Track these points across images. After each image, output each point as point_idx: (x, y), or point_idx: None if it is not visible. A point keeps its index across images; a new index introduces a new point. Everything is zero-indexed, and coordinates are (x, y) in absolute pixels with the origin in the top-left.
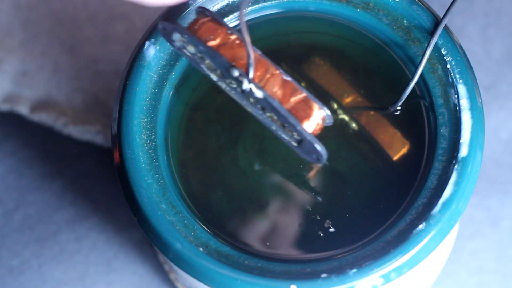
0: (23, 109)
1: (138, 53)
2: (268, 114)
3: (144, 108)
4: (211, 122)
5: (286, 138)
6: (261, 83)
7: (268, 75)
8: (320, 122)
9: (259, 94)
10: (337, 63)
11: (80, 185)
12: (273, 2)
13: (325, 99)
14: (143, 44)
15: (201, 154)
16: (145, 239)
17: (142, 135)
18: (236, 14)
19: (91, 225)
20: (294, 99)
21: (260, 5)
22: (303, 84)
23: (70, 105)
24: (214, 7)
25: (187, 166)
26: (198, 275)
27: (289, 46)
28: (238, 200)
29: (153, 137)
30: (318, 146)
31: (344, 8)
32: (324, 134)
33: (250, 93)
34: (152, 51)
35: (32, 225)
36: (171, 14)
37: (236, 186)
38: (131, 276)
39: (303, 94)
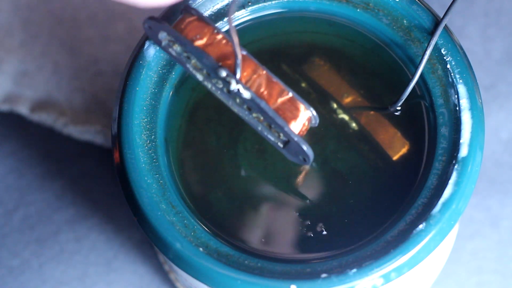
0: (23, 109)
1: (138, 53)
2: (254, 115)
3: (144, 108)
4: (211, 122)
5: (272, 139)
6: (248, 84)
7: (255, 76)
8: (306, 123)
9: (246, 94)
10: (337, 63)
11: (80, 185)
12: (273, 2)
13: (325, 99)
14: (143, 44)
15: (201, 154)
16: (145, 239)
17: (142, 135)
18: (235, 15)
19: (91, 225)
20: (280, 100)
21: (260, 5)
22: (303, 85)
23: (70, 105)
24: (214, 7)
25: (187, 166)
26: (198, 275)
27: (289, 46)
28: (238, 200)
29: (153, 137)
30: (305, 147)
31: (344, 8)
32: (324, 134)
33: (237, 93)
34: (152, 51)
35: (32, 225)
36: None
37: (236, 186)
38: (131, 276)
39: (290, 95)
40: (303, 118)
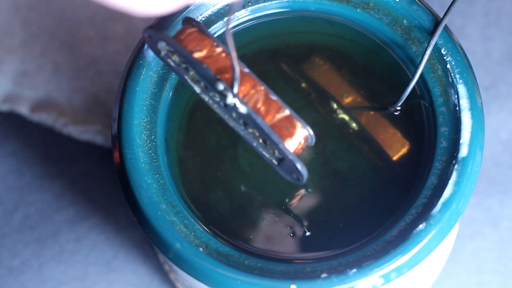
0: (23, 109)
1: (138, 53)
2: (250, 130)
3: (144, 108)
4: (211, 122)
5: (267, 155)
6: (245, 99)
7: (253, 91)
8: (302, 141)
9: (242, 109)
10: (337, 63)
11: (80, 185)
12: (273, 2)
13: (325, 99)
14: (143, 44)
15: (201, 154)
16: (145, 239)
17: (142, 135)
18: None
19: (91, 225)
20: (277, 117)
21: (260, 5)
22: (303, 85)
23: (70, 105)
24: (214, 7)
25: (187, 166)
26: (198, 275)
27: (289, 46)
28: (238, 200)
29: (153, 137)
30: (300, 166)
31: (344, 8)
32: (324, 134)
33: (233, 108)
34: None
35: (32, 225)
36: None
37: (236, 186)
38: (131, 276)
39: (287, 112)
40: (299, 136)
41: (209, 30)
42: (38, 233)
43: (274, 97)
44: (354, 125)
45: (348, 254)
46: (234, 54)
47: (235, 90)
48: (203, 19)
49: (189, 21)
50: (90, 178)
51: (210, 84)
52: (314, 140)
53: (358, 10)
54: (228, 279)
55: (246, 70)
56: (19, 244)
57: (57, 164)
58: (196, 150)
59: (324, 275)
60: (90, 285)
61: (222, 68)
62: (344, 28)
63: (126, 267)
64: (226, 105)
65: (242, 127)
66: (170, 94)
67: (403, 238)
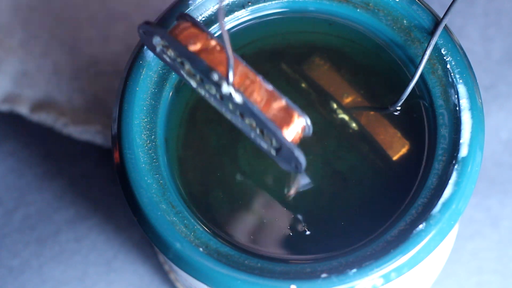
0: (23, 109)
1: (138, 53)
2: (247, 121)
3: (144, 108)
4: (211, 122)
5: (265, 146)
6: (241, 89)
7: (248, 82)
8: (300, 131)
9: (238, 98)
10: (337, 63)
11: (80, 185)
12: (273, 2)
13: (325, 99)
14: (143, 44)
15: (201, 154)
16: (145, 239)
17: (142, 135)
18: (229, 17)
19: (91, 225)
20: (274, 107)
21: (260, 5)
22: (303, 85)
23: (70, 105)
24: (214, 7)
25: (187, 166)
26: (198, 275)
27: (289, 46)
28: (238, 200)
29: (153, 137)
30: (297, 153)
31: (344, 8)
32: (324, 134)
33: (229, 98)
34: None
35: (32, 225)
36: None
37: (236, 186)
38: (131, 276)
39: (283, 102)
40: (297, 125)
41: (209, 30)
42: (38, 233)
43: (270, 88)
44: (354, 125)
45: (348, 254)
46: (227, 43)
47: (230, 78)
48: (203, 19)
49: (183, 16)
50: (90, 178)
51: (205, 75)
52: (311, 130)
53: (358, 10)
54: (228, 279)
55: (242, 62)
56: (19, 244)
57: (57, 164)
58: (196, 150)
59: (324, 275)
60: (90, 285)
61: (217, 60)
62: (344, 28)
63: (126, 267)
64: (222, 97)
65: (239, 119)
66: (170, 94)
67: (403, 238)
